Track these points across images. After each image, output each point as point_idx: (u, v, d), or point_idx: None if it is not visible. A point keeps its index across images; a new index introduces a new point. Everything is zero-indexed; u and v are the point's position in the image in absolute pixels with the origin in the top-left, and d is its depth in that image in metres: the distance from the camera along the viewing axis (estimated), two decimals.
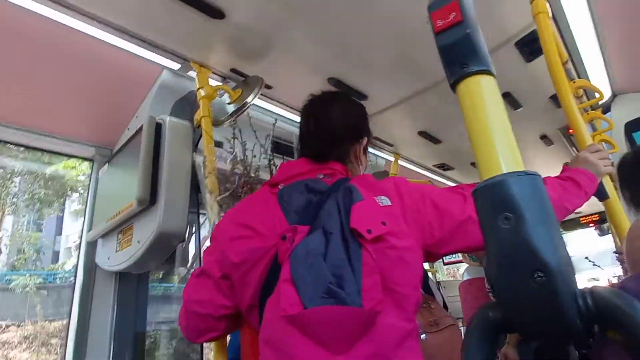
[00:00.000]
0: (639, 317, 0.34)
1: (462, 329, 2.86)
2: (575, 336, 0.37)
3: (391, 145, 2.59)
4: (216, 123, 1.59)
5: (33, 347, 8.89)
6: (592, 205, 4.11)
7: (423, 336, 1.68)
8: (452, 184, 2.92)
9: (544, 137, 2.60)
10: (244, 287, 0.86)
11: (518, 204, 0.39)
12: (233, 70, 1.67)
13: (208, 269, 0.93)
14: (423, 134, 2.43)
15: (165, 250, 1.46)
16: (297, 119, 2.02)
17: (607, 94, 2.17)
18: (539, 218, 0.38)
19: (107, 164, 1.76)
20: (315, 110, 1.05)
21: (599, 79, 1.99)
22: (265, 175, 1.54)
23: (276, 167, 1.52)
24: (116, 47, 1.44)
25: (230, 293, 0.90)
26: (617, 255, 1.62)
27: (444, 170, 3.10)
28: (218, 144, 1.64)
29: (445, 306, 1.94)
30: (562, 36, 1.55)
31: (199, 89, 1.56)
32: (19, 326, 9.24)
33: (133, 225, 1.51)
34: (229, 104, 1.66)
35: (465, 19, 0.47)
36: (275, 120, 1.74)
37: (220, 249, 0.91)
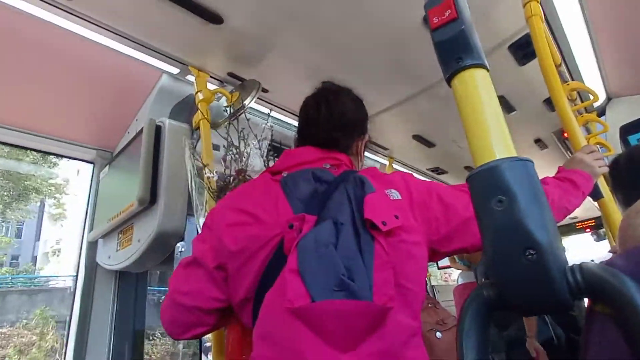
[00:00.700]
0: (627, 290, 0.36)
1: None
2: (564, 310, 0.39)
3: (386, 148, 2.61)
4: (214, 126, 1.62)
5: None
6: (588, 210, 4.17)
7: (439, 334, 1.72)
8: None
9: (538, 141, 2.63)
10: (240, 278, 0.80)
11: (511, 187, 0.41)
12: (230, 74, 1.70)
13: (200, 257, 0.85)
14: (417, 137, 2.46)
15: (164, 249, 1.47)
16: (292, 122, 2.07)
17: (601, 97, 2.20)
18: (531, 200, 0.40)
19: (107, 166, 1.78)
20: (328, 97, 1.01)
21: (594, 82, 2.01)
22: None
23: None
24: (117, 52, 1.47)
25: (223, 285, 0.83)
26: (612, 254, 1.64)
27: (437, 174, 3.12)
28: (215, 147, 1.67)
29: None
30: (555, 39, 1.58)
31: (197, 92, 1.59)
32: None
33: (133, 225, 1.53)
34: (226, 107, 1.68)
35: (460, 16, 0.49)
36: (271, 125, 1.75)
37: (216, 236, 0.83)
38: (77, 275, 1.72)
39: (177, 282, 0.87)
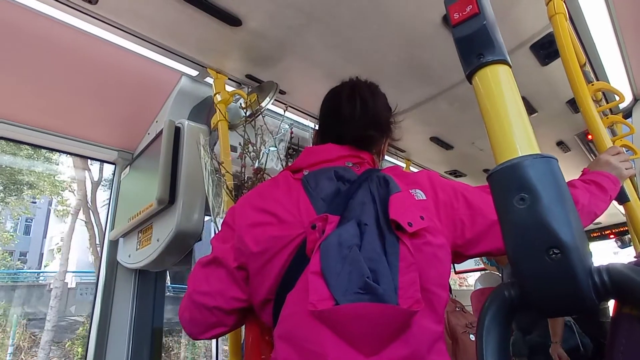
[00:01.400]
0: None
1: None
2: (589, 311, 0.37)
3: (403, 151, 2.59)
4: (232, 127, 1.63)
5: None
6: (612, 216, 4.05)
7: (472, 337, 1.71)
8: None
9: (560, 144, 2.57)
10: (261, 279, 0.78)
11: (534, 185, 0.40)
12: (248, 76, 1.71)
13: (221, 257, 0.84)
14: (435, 139, 2.43)
15: (182, 248, 1.49)
16: (309, 123, 2.07)
17: (628, 98, 2.13)
18: (555, 198, 0.39)
19: (128, 167, 1.82)
20: (363, 94, 0.97)
21: (620, 82, 1.95)
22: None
23: None
24: (138, 55, 1.50)
25: (244, 285, 0.82)
26: (637, 259, 1.59)
27: (455, 177, 3.08)
28: (233, 148, 1.68)
29: None
30: (579, 38, 1.53)
31: (215, 94, 1.60)
32: None
33: (153, 225, 1.56)
34: (244, 108, 1.69)
35: (481, 11, 0.48)
36: (292, 123, 1.76)
37: (237, 236, 0.82)
38: (98, 273, 1.76)
39: (197, 282, 0.86)
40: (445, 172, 3.00)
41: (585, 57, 1.48)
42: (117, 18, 1.33)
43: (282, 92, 1.81)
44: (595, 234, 4.54)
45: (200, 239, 1.50)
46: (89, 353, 1.62)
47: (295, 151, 1.69)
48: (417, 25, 1.45)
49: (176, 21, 1.35)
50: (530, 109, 2.09)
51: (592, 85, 1.38)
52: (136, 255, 1.63)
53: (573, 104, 2.04)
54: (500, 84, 0.47)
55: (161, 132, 1.54)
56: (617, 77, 1.90)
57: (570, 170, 2.77)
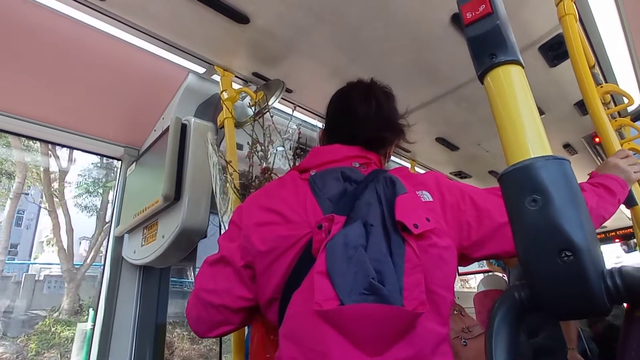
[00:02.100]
0: None
1: None
2: (601, 314, 0.37)
3: (408, 151, 2.58)
4: (238, 124, 1.63)
5: None
6: (617, 219, 4.02)
7: (464, 342, 1.70)
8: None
9: (567, 146, 2.55)
10: (267, 278, 0.79)
11: (546, 186, 0.39)
12: (255, 74, 1.71)
13: (228, 255, 0.84)
14: (440, 140, 2.42)
15: (187, 245, 1.50)
16: (315, 122, 2.08)
17: (637, 100, 2.11)
18: (567, 200, 0.39)
19: (134, 163, 1.82)
20: (378, 95, 0.97)
21: (629, 85, 1.94)
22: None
23: None
24: (146, 52, 1.50)
25: (251, 283, 0.83)
26: None
27: (461, 178, 3.07)
28: (239, 146, 1.69)
29: None
30: (589, 39, 1.52)
31: (222, 91, 1.61)
32: None
33: (158, 221, 1.56)
34: (251, 106, 1.70)
35: (494, 10, 0.48)
36: (300, 123, 1.77)
37: (244, 235, 0.83)
38: (103, 268, 1.77)
39: (204, 281, 0.87)
40: (450, 173, 2.99)
41: (594, 59, 1.47)
42: (126, 15, 1.33)
43: (288, 91, 1.81)
44: (600, 237, 4.51)
45: (205, 236, 1.51)
46: (93, 348, 1.63)
47: (303, 151, 1.70)
48: (425, 25, 1.44)
49: (184, 18, 1.36)
50: (538, 111, 2.07)
51: (601, 87, 1.38)
52: (141, 251, 1.63)
53: (581, 106, 2.02)
54: (513, 85, 0.47)
55: (168, 129, 1.54)
56: (626, 80, 1.88)
57: (577, 173, 2.68)
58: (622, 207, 1.15)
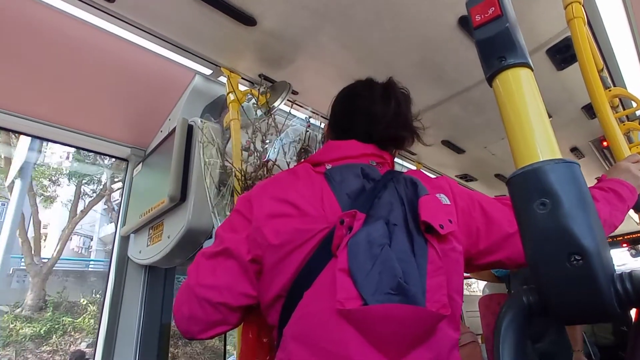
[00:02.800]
0: None
1: (483, 346, 2.81)
2: (610, 320, 0.37)
3: (413, 153, 2.58)
4: (244, 126, 1.64)
5: None
6: (625, 224, 3.98)
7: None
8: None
9: (574, 150, 2.54)
10: (276, 273, 0.73)
11: (555, 189, 0.39)
12: (261, 76, 1.72)
13: (233, 248, 0.77)
14: (446, 143, 2.41)
15: (192, 245, 1.50)
16: (323, 125, 2.07)
17: None
18: (576, 203, 0.39)
19: (141, 163, 1.83)
20: (397, 95, 0.96)
21: (637, 88, 1.93)
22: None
23: None
24: (153, 53, 1.52)
25: (255, 280, 0.77)
26: None
27: (466, 181, 3.06)
28: (245, 148, 1.69)
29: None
30: (597, 43, 1.51)
31: (228, 93, 1.61)
32: None
33: (164, 222, 1.57)
34: (257, 108, 1.70)
35: (504, 13, 0.48)
36: (308, 118, 1.76)
37: (254, 227, 0.76)
38: (109, 268, 1.78)
39: (201, 275, 0.78)
40: (456, 176, 2.98)
41: (602, 62, 1.46)
42: (134, 16, 1.34)
43: (294, 93, 1.82)
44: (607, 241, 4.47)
45: (211, 237, 1.51)
46: (98, 347, 1.64)
47: (306, 151, 1.70)
48: (432, 27, 1.44)
49: (191, 20, 1.36)
50: (548, 117, 2.06)
51: (610, 91, 1.36)
52: (147, 251, 1.64)
53: (589, 110, 2.01)
54: (522, 88, 0.47)
55: (174, 130, 1.55)
56: (635, 83, 1.87)
57: (584, 176, 2.71)
58: (632, 211, 1.14)
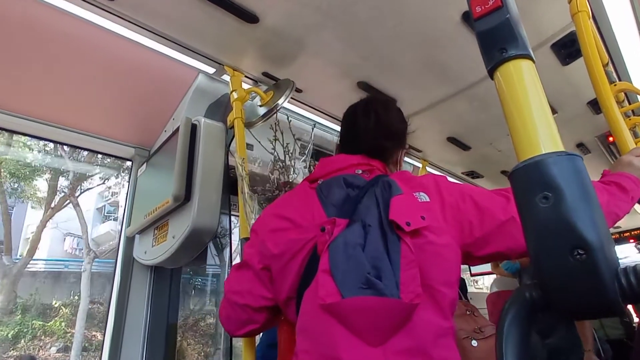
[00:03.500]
0: None
1: None
2: (614, 314, 0.36)
3: (419, 151, 2.57)
4: (248, 125, 1.64)
5: None
6: (631, 220, 3.95)
7: (474, 342, 1.69)
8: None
9: (580, 145, 2.52)
10: (282, 278, 0.87)
11: (558, 183, 0.38)
12: (265, 74, 1.72)
13: (249, 260, 0.95)
14: (452, 139, 2.40)
15: (197, 245, 1.50)
16: (325, 122, 2.08)
17: None
18: (579, 196, 0.38)
19: (145, 163, 1.84)
20: (377, 108, 1.06)
21: None
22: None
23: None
24: (156, 52, 1.51)
25: (269, 284, 0.91)
26: None
27: (473, 178, 3.04)
28: (249, 147, 1.69)
29: None
30: (602, 37, 1.50)
31: (232, 92, 1.61)
32: None
33: (168, 222, 1.57)
34: (261, 106, 1.70)
35: (504, 4, 0.47)
36: (314, 125, 1.78)
37: (260, 241, 0.92)
38: (115, 269, 1.79)
39: (231, 283, 0.98)
40: (462, 173, 2.97)
41: (607, 57, 1.44)
42: (136, 15, 1.34)
43: (298, 91, 1.81)
44: (614, 238, 4.44)
45: (216, 236, 1.52)
46: (105, 348, 1.65)
47: (318, 152, 1.74)
48: (435, 23, 1.43)
49: (194, 18, 1.36)
50: (550, 110, 2.04)
51: (615, 85, 1.36)
52: (152, 251, 1.64)
53: (594, 105, 1.99)
54: (524, 79, 0.46)
55: (178, 129, 1.55)
56: None
57: (590, 172, 2.62)
58: (637, 207, 1.13)
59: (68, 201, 9.77)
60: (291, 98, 1.69)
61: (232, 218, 1.96)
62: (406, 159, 2.60)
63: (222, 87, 1.73)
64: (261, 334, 1.40)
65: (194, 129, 1.56)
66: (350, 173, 0.95)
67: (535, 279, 0.40)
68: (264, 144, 1.68)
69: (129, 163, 1.99)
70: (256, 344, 1.25)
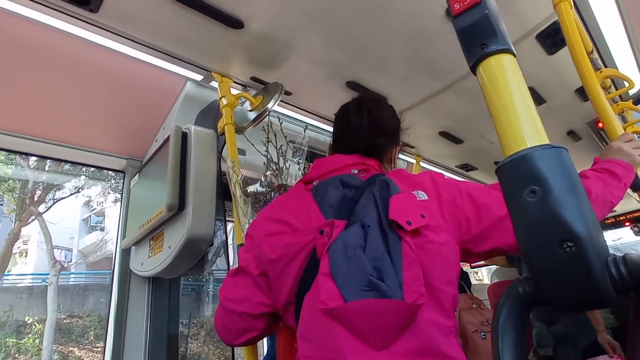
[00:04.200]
0: None
1: None
2: (607, 305, 0.36)
3: (412, 147, 2.57)
4: (239, 130, 1.64)
5: None
6: (626, 203, 3.97)
7: (483, 335, 1.70)
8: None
9: (571, 133, 2.53)
10: (280, 283, 0.85)
11: (544, 176, 0.39)
12: (253, 79, 1.71)
13: (245, 266, 0.92)
14: (444, 134, 2.41)
15: (194, 254, 1.49)
16: (316, 123, 2.08)
17: (637, 84, 2.07)
18: (566, 189, 0.38)
19: (137, 174, 1.83)
20: (370, 106, 1.05)
21: (628, 68, 1.92)
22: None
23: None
24: (142, 62, 1.51)
25: (267, 290, 0.89)
26: None
27: (467, 170, 3.05)
28: (241, 152, 1.69)
29: None
30: (585, 25, 1.50)
31: (221, 98, 1.61)
32: None
33: (164, 232, 1.56)
34: (251, 111, 1.70)
35: (483, 0, 0.47)
36: (306, 126, 1.78)
37: (256, 246, 0.90)
38: (112, 282, 1.78)
39: (227, 291, 0.95)
40: (456, 166, 2.98)
41: (592, 44, 1.45)
42: (119, 25, 1.33)
43: (288, 93, 1.81)
44: (609, 222, 4.47)
45: (212, 244, 1.51)
46: None
47: (312, 154, 1.74)
48: (421, 19, 1.43)
49: (178, 26, 1.36)
50: (539, 99, 2.06)
51: (601, 72, 1.37)
52: (149, 262, 1.63)
53: (582, 92, 2.00)
54: (506, 74, 0.46)
55: (168, 138, 1.54)
56: (626, 63, 1.87)
57: (582, 159, 2.71)
58: (631, 191, 1.14)
59: (37, 213, 9.37)
60: (281, 101, 1.68)
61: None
62: (400, 155, 2.60)
63: (211, 94, 1.73)
64: (269, 344, 1.40)
65: (184, 137, 1.55)
66: (346, 173, 0.94)
67: (526, 274, 0.40)
68: (256, 148, 1.67)
69: (108, 172, 1.98)
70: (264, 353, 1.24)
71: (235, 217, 1.38)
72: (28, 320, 9.10)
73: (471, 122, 2.28)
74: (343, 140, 1.06)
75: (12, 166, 9.37)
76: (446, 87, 1.90)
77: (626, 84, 1.46)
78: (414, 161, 2.68)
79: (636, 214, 4.33)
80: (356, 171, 0.95)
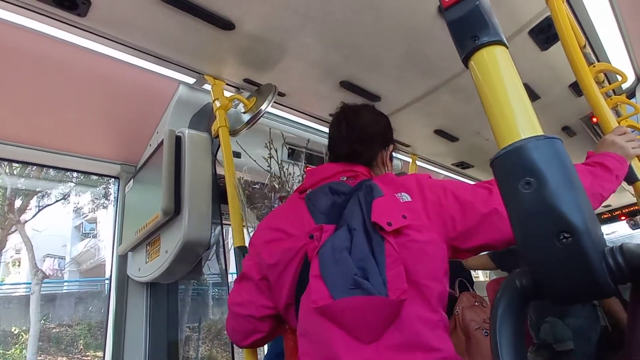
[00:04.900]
0: None
1: None
2: (606, 296, 0.36)
3: (408, 146, 2.57)
4: (233, 132, 1.63)
5: None
6: (622, 197, 3.99)
7: (485, 332, 1.70)
8: (473, 183, 2.88)
9: (565, 128, 2.53)
10: (280, 286, 0.90)
11: (539, 167, 0.38)
12: (246, 80, 1.71)
13: (248, 272, 0.99)
14: (439, 132, 2.41)
15: (191, 258, 1.48)
16: (311, 124, 2.08)
17: (630, 78, 2.08)
18: (562, 180, 0.38)
19: (132, 180, 1.81)
20: (347, 116, 1.10)
21: (621, 63, 1.92)
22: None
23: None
24: (134, 67, 1.50)
25: (269, 293, 0.95)
26: None
27: (463, 168, 3.05)
28: (236, 155, 1.68)
29: None
30: (577, 19, 1.50)
31: (214, 100, 1.60)
32: None
33: (160, 237, 1.55)
34: (245, 113, 1.69)
35: None
36: (308, 141, 1.80)
37: (257, 253, 0.97)
38: (109, 288, 1.76)
39: (233, 296, 1.02)
40: (452, 164, 2.97)
41: (584, 39, 1.45)
42: (108, 29, 1.32)
43: (281, 95, 1.80)
44: (605, 216, 4.49)
45: (209, 248, 1.50)
46: None
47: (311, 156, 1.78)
48: (413, 17, 1.43)
49: (169, 29, 1.35)
50: (533, 95, 2.06)
51: (594, 66, 1.37)
52: (146, 268, 1.62)
53: (576, 87, 2.00)
54: (498, 66, 0.46)
55: (162, 142, 1.53)
56: (619, 58, 1.87)
57: (577, 154, 2.69)
58: (625, 184, 1.14)
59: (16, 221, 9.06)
60: (275, 102, 1.68)
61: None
62: (395, 154, 2.60)
63: (204, 97, 1.72)
64: (268, 344, 1.40)
65: (178, 140, 1.54)
66: (335, 180, 0.99)
67: (523, 266, 0.40)
68: (252, 150, 1.66)
69: (93, 177, 1.97)
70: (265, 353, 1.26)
71: (234, 221, 1.37)
72: (14, 330, 8.98)
73: (466, 120, 2.28)
74: (331, 150, 1.12)
75: None
76: (441, 85, 1.90)
77: (619, 78, 1.46)
78: (410, 160, 2.68)
79: (632, 208, 4.34)
80: (345, 178, 1.00)
